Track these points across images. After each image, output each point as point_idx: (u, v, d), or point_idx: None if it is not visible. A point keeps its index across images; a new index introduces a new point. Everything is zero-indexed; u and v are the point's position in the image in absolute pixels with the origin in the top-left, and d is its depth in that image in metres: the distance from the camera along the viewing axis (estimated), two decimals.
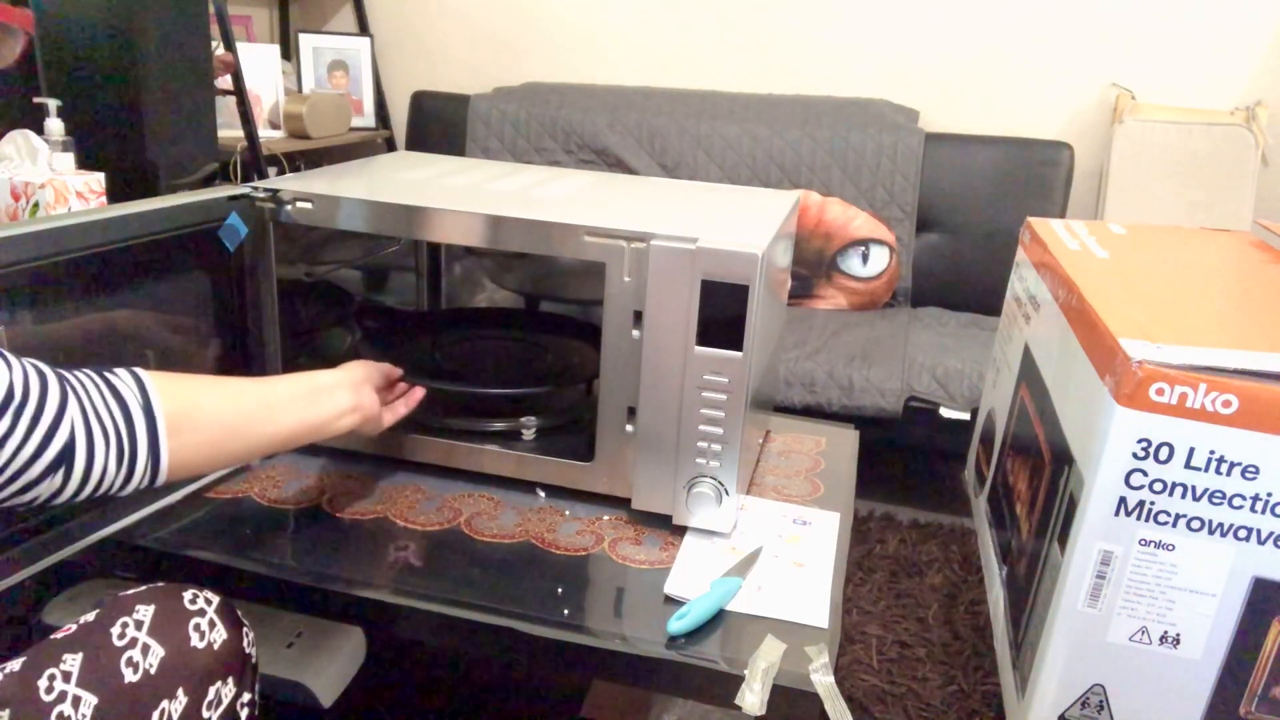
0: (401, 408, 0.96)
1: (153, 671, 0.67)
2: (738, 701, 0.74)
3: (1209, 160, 2.07)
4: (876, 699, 1.36)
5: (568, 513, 0.97)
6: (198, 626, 0.70)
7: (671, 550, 0.91)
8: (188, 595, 0.72)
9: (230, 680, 0.72)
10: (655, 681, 0.78)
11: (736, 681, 0.75)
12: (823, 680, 0.74)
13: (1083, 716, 0.91)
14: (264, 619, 1.17)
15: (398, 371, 0.99)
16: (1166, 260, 1.19)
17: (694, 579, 0.85)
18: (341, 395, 0.85)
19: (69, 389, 0.65)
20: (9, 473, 0.61)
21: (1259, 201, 2.09)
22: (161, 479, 0.70)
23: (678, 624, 0.78)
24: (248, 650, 0.75)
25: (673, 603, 0.82)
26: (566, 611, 0.81)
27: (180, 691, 0.68)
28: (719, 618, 0.81)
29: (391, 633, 0.85)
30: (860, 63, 2.36)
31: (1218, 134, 2.07)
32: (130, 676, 0.65)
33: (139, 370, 0.71)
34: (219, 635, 0.71)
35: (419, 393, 1.00)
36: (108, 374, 0.70)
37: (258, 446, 0.79)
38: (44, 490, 0.64)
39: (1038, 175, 2.18)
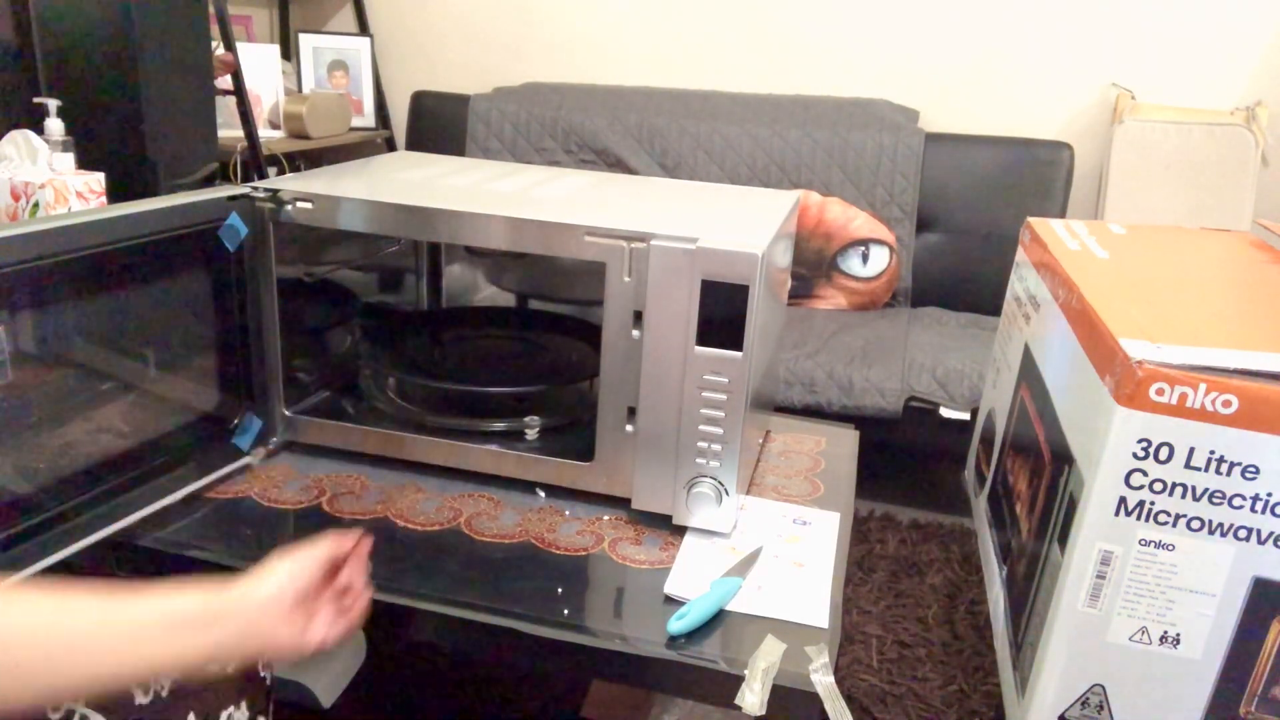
0: (341, 624, 0.68)
1: (164, 694, 0.65)
2: (738, 701, 0.74)
3: (1209, 160, 2.07)
4: (876, 699, 1.36)
5: (568, 513, 0.97)
6: None
7: (671, 550, 0.91)
8: None
9: (243, 704, 0.71)
10: (655, 681, 0.78)
11: (736, 681, 0.75)
12: (823, 680, 0.74)
13: (1083, 716, 0.91)
14: None
15: (345, 547, 0.70)
16: (1166, 260, 1.19)
17: (694, 579, 0.85)
18: (220, 632, 0.60)
19: None
20: None
21: (1259, 201, 2.09)
22: None
23: (678, 624, 0.78)
24: (261, 674, 0.74)
25: (673, 603, 0.82)
26: (566, 611, 0.81)
27: (191, 715, 0.66)
28: (719, 618, 0.81)
29: (391, 633, 0.85)
30: (860, 63, 2.36)
31: (1218, 134, 2.07)
32: (141, 698, 0.64)
33: None
34: None
35: (363, 603, 0.71)
36: None
37: (52, 696, 0.59)
38: None
39: (1038, 175, 2.18)
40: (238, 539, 0.89)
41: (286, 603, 0.63)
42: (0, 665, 0.52)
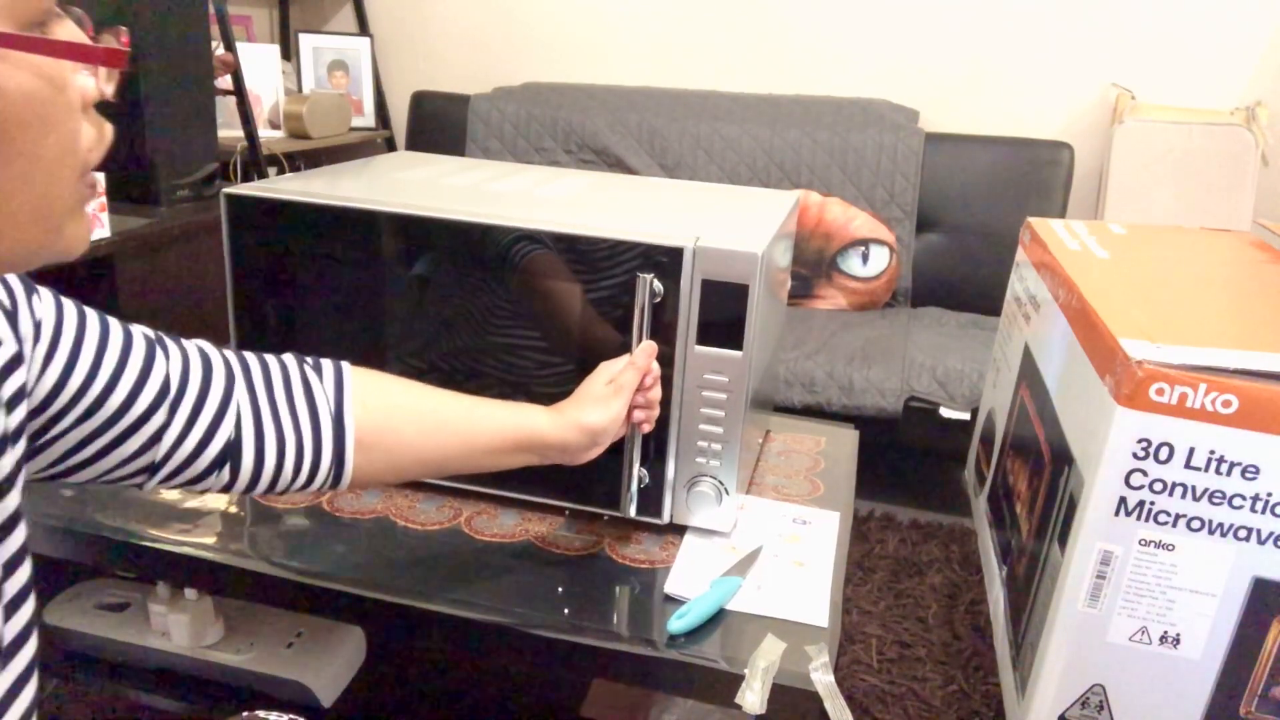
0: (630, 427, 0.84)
1: None
2: (738, 701, 0.74)
3: (1209, 160, 2.08)
4: (876, 699, 1.37)
5: (568, 512, 0.97)
6: None
7: (671, 550, 0.91)
8: None
9: None
10: (655, 681, 0.78)
11: (736, 681, 0.75)
12: (823, 679, 0.74)
13: (1083, 716, 0.91)
14: (264, 619, 1.17)
15: (648, 368, 0.83)
16: (1166, 260, 1.19)
17: (694, 578, 0.85)
18: (544, 456, 0.78)
19: (238, 380, 0.63)
20: (171, 466, 0.60)
21: (1259, 201, 2.09)
22: (344, 486, 0.70)
23: (678, 623, 0.78)
24: None
25: (673, 602, 0.82)
26: (566, 611, 0.81)
27: None
28: (719, 617, 0.81)
29: (391, 633, 0.85)
30: (860, 63, 2.36)
31: (1218, 134, 2.07)
32: None
33: (346, 369, 0.69)
34: None
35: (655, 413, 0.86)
36: (308, 368, 0.67)
37: (439, 475, 0.82)
38: (213, 484, 0.63)
39: (1038, 175, 2.18)
40: (238, 539, 0.89)
41: (603, 441, 0.80)
42: (403, 463, 0.71)
